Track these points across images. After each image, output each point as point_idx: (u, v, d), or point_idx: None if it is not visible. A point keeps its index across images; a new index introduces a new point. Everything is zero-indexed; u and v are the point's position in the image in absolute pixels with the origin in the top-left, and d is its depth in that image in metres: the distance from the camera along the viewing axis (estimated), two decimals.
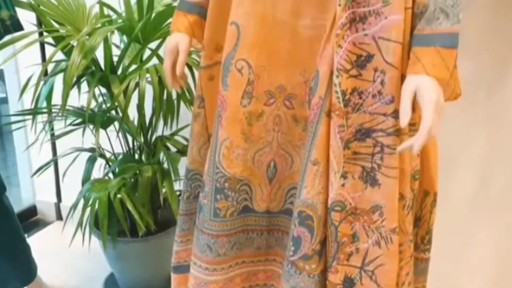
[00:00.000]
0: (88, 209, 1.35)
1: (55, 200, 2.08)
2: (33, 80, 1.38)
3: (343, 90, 0.79)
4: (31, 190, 2.12)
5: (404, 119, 0.73)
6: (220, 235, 0.92)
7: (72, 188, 1.61)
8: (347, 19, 0.77)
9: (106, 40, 1.39)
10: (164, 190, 1.38)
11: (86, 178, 1.45)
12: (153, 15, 1.44)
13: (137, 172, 1.42)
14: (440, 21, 0.74)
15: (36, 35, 1.50)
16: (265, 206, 0.94)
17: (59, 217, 2.09)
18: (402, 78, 0.78)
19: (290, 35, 0.86)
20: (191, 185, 1.06)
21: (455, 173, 1.48)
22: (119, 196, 1.34)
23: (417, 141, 0.72)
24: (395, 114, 0.78)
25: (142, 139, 1.47)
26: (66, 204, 2.05)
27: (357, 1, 0.78)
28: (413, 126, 0.80)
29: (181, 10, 1.00)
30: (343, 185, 0.81)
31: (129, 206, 1.31)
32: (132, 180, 1.45)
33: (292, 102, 0.89)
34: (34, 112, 1.34)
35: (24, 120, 1.48)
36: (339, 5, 0.77)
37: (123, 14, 1.50)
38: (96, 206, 1.32)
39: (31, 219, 2.12)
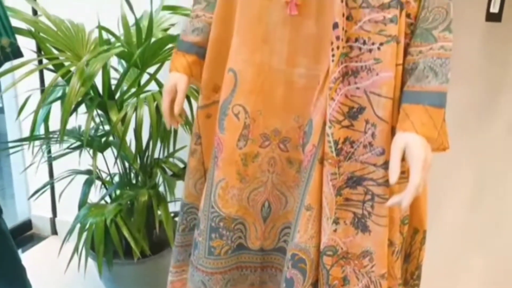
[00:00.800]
0: (85, 234, 1.37)
1: (50, 215, 2.10)
2: (31, 101, 1.39)
3: (335, 140, 0.82)
4: (26, 204, 2.13)
5: (393, 177, 0.76)
6: (214, 273, 0.95)
7: (67, 202, 1.62)
8: (339, 73, 0.80)
9: (104, 66, 1.41)
10: (159, 212, 1.40)
11: (82, 202, 1.47)
12: (152, 41, 1.47)
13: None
14: (429, 80, 0.77)
15: (35, 62, 1.52)
16: (259, 244, 0.97)
17: (54, 231, 2.10)
18: (392, 130, 0.81)
19: (285, 83, 0.89)
20: (186, 218, 1.09)
21: (444, 205, 1.51)
22: (115, 220, 1.36)
23: (405, 198, 0.75)
24: (385, 165, 0.81)
25: (139, 162, 1.49)
26: (61, 219, 2.06)
27: (349, 56, 0.81)
28: (403, 173, 0.83)
29: (180, 50, 1.03)
30: (335, 230, 0.84)
31: (125, 233, 1.33)
32: (128, 203, 1.47)
33: (287, 145, 0.92)
34: (32, 138, 1.35)
35: (21, 145, 1.50)
36: (332, 60, 0.80)
37: (122, 38, 1.52)
38: (92, 231, 1.34)
39: (26, 233, 2.13)
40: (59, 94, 1.47)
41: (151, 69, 1.52)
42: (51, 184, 1.62)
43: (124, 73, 1.48)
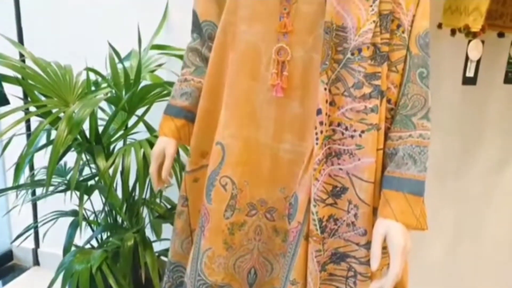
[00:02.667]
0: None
1: (32, 245, 2.08)
2: (14, 142, 1.39)
3: (320, 218, 0.85)
4: (7, 234, 2.11)
5: (374, 265, 0.79)
6: None
7: (50, 232, 1.61)
8: (323, 155, 0.84)
9: (92, 111, 1.42)
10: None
11: (68, 246, 1.47)
12: (140, 85, 1.48)
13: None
14: (408, 166, 0.81)
15: (22, 109, 1.51)
16: None
17: (36, 262, 2.08)
18: (374, 211, 0.85)
19: (271, 157, 0.91)
20: (172, 276, 1.10)
21: (424, 246, 1.56)
22: (101, 268, 1.37)
23: (386, 285, 0.78)
24: (367, 245, 0.84)
25: (125, 205, 1.50)
26: (44, 250, 2.05)
27: (333, 139, 0.84)
28: (384, 249, 0.86)
29: (169, 114, 1.05)
30: None
31: (111, 282, 1.34)
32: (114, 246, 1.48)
33: (273, 214, 0.95)
34: (16, 187, 1.35)
35: (5, 194, 1.49)
36: (317, 143, 0.83)
37: (109, 78, 1.53)
38: (77, 279, 1.34)
39: (6, 264, 2.11)
40: (45, 135, 1.48)
41: (139, 111, 1.53)
42: (34, 225, 1.61)
43: (111, 117, 1.48)
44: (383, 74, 0.82)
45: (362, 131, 0.81)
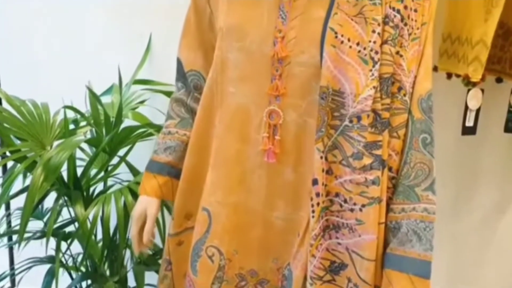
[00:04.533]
0: None
1: (8, 284, 1.97)
2: None
3: None
4: None
5: None
6: None
7: (27, 278, 1.49)
8: (320, 229, 0.77)
9: (70, 155, 1.34)
10: None
11: None
12: (121, 127, 1.41)
13: None
14: (413, 244, 0.75)
15: None
16: None
17: None
18: None
19: (263, 225, 0.85)
20: None
21: None
22: None
23: None
24: None
25: (106, 252, 1.41)
26: None
27: (330, 210, 0.77)
28: None
29: (150, 171, 0.97)
30: None
31: None
32: None
33: (265, 286, 0.87)
34: None
35: None
36: (313, 216, 0.76)
37: (88, 115, 1.46)
38: None
39: None
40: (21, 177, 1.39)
41: (122, 151, 1.46)
42: (11, 272, 1.51)
43: (91, 159, 1.40)
44: (384, 142, 0.75)
45: (363, 205, 0.75)
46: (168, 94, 1.38)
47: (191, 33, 0.95)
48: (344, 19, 0.73)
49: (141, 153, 1.40)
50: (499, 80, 1.21)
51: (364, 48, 0.73)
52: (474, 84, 1.08)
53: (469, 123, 1.12)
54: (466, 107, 1.11)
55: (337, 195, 0.77)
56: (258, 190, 0.83)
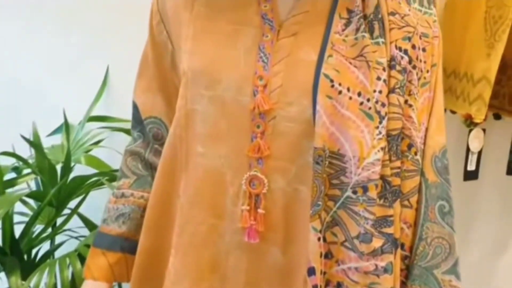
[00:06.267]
0: None
1: None
2: None
3: None
4: None
5: None
6: None
7: None
8: None
9: (6, 213, 1.12)
10: None
11: None
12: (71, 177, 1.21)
13: None
14: None
15: None
16: None
17: None
18: None
19: None
20: None
21: None
22: None
23: None
24: None
25: None
26: None
27: None
28: None
29: (99, 247, 0.77)
30: None
31: None
32: None
33: None
34: None
35: None
36: None
37: (32, 162, 1.25)
38: None
39: None
40: None
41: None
42: None
43: (33, 216, 1.18)
44: (396, 217, 0.60)
45: None
46: (129, 132, 1.21)
47: (149, 73, 0.78)
48: (341, 62, 0.58)
49: (96, 201, 1.20)
50: (497, 117, 1.10)
51: (368, 100, 0.57)
52: (476, 124, 0.96)
53: (471, 167, 0.99)
54: (468, 150, 0.99)
55: (339, 285, 0.60)
56: (235, 277, 0.65)
